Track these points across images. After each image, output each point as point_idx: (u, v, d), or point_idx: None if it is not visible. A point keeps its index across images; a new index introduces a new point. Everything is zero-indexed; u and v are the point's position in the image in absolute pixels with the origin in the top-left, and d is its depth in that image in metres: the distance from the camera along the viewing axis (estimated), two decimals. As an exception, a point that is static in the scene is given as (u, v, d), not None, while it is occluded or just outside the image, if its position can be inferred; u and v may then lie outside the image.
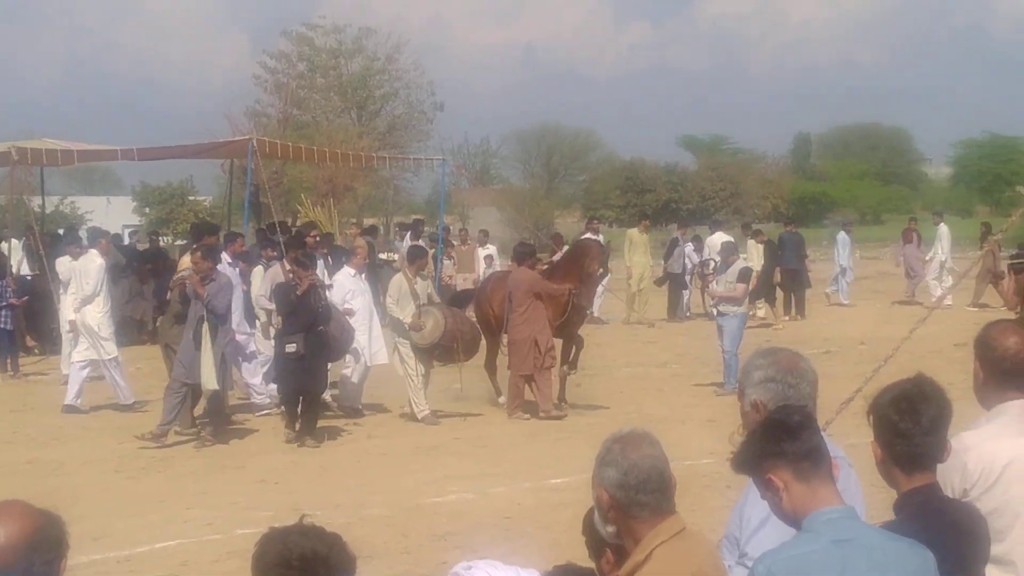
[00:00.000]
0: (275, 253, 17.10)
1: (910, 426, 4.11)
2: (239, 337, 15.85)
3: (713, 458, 11.54)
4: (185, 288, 14.61)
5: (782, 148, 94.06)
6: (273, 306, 15.28)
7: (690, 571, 3.87)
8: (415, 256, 16.56)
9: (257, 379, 16.49)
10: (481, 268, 28.32)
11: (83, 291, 16.78)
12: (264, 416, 16.00)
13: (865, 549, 3.55)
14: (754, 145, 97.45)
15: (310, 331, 14.40)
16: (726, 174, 76.06)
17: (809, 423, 3.69)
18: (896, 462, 4.16)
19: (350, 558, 3.39)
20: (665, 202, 73.03)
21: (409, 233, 27.76)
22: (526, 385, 16.07)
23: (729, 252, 17.98)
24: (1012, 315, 13.30)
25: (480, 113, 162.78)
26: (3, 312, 20.05)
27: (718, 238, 24.50)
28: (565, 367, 16.59)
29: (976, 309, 26.38)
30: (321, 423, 15.04)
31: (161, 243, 33.53)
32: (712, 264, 22.61)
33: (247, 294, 16.60)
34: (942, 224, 30.58)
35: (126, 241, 31.03)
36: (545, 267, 18.24)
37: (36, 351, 22.60)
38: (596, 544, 4.19)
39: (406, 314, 15.53)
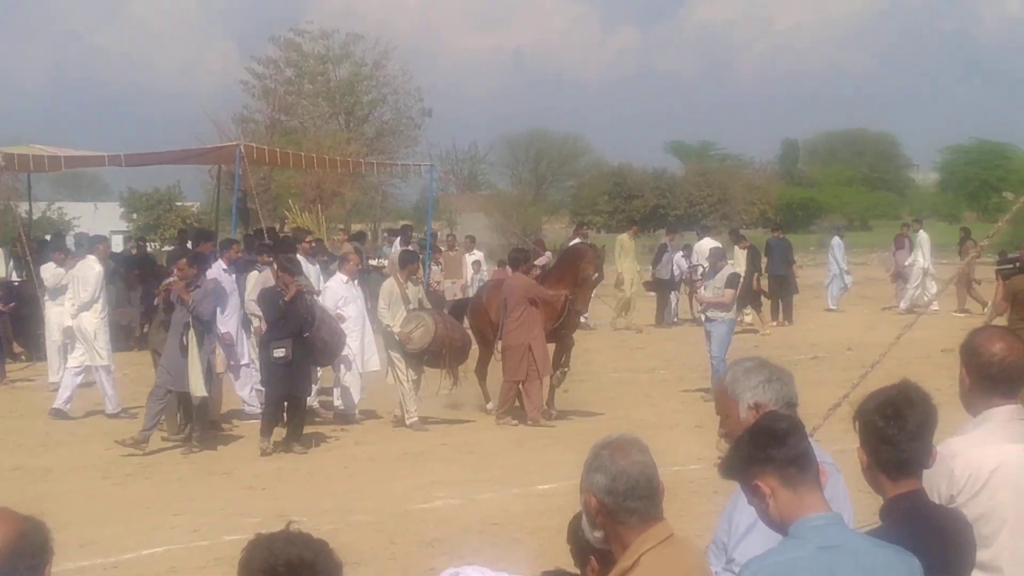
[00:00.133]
0: (270, 259, 17.06)
1: (896, 432, 4.12)
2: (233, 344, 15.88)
3: (701, 463, 11.55)
4: (169, 294, 14.59)
5: (770, 154, 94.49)
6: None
7: (677, 577, 3.87)
8: (406, 261, 16.54)
9: (247, 391, 16.44)
10: (469, 274, 28.31)
11: (80, 297, 16.75)
12: (252, 423, 15.96)
13: (851, 555, 3.55)
14: (742, 151, 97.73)
15: (297, 337, 14.38)
16: (714, 180, 76.25)
17: (796, 429, 3.68)
18: (882, 468, 4.17)
19: (337, 565, 3.38)
20: (653, 208, 73.18)
21: (399, 239, 27.75)
22: (516, 392, 16.06)
23: (717, 258, 18.00)
24: (1001, 320, 13.33)
25: (468, 119, 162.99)
26: (-10, 318, 20.01)
27: (706, 244, 24.50)
28: (559, 372, 16.53)
29: (963, 315, 26.48)
30: (309, 429, 15.02)
31: (148, 249, 33.47)
32: (700, 270, 22.64)
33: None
34: (921, 231, 30.70)
35: (118, 247, 30.96)
36: (539, 272, 18.23)
37: (23, 357, 22.52)
38: (581, 551, 4.19)
39: (397, 319, 15.52)
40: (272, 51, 56.25)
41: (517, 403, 16.17)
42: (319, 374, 16.80)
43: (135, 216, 52.89)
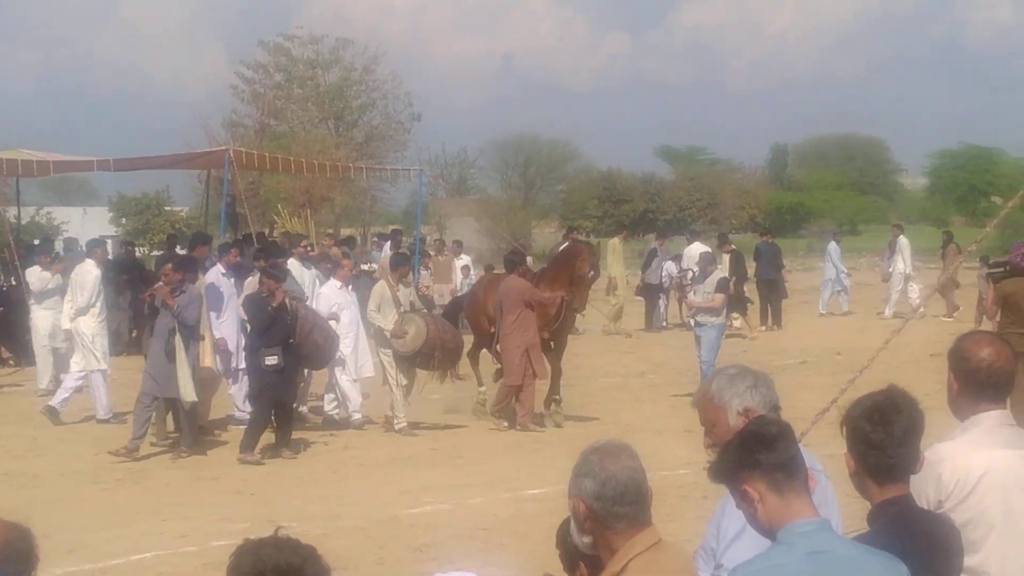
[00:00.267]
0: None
1: (882, 437, 4.13)
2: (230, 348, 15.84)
3: (689, 468, 11.55)
4: (153, 299, 14.56)
5: (759, 158, 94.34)
6: None
7: (666, 583, 3.87)
8: (398, 263, 16.51)
9: (242, 396, 16.37)
10: (458, 279, 28.31)
11: (77, 302, 16.73)
12: (242, 428, 15.92)
13: (839, 561, 3.55)
14: (731, 155, 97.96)
15: (285, 343, 14.33)
16: (703, 184, 76.25)
17: (786, 434, 3.68)
18: (869, 473, 4.18)
19: (325, 570, 3.38)
20: (642, 212, 73.18)
21: (388, 243, 27.72)
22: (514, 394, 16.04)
23: (707, 263, 18.03)
24: (989, 324, 13.35)
25: (458, 123, 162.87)
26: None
27: (696, 248, 24.51)
28: (554, 402, 16.51)
29: (952, 320, 26.52)
30: (298, 434, 15.00)
31: (137, 253, 33.41)
32: (690, 274, 22.66)
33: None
34: (902, 236, 30.75)
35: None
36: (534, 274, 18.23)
37: (11, 362, 22.48)
38: (570, 556, 4.19)
39: (388, 321, 15.51)
40: (261, 56, 56.34)
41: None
42: (311, 378, 16.79)
43: (124, 221, 52.83)
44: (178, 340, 13.98)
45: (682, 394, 18.03)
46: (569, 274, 16.39)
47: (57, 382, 18.56)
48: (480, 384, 16.91)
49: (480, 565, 9.14)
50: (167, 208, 52.92)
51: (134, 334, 23.52)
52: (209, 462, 14.19)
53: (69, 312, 16.91)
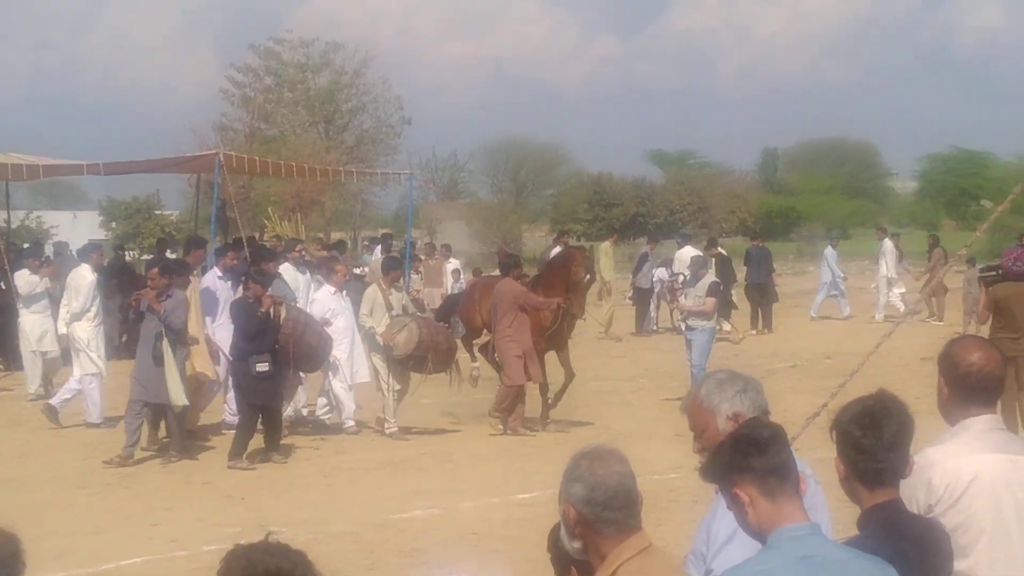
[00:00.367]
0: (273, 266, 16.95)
1: (872, 442, 4.14)
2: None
3: (680, 472, 11.54)
4: (139, 304, 14.52)
5: (750, 163, 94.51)
6: None
7: (656, 587, 3.87)
8: (389, 267, 16.52)
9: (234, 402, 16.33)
10: (449, 283, 28.30)
11: (72, 306, 16.68)
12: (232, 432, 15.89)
13: (829, 566, 3.55)
14: (722, 159, 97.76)
15: (275, 348, 14.30)
16: (693, 188, 76.26)
17: (779, 438, 3.67)
18: (859, 478, 4.18)
19: (315, 575, 3.37)
20: (633, 216, 73.15)
21: (379, 247, 27.72)
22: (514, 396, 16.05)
23: (698, 266, 18.04)
24: (976, 328, 13.35)
25: (448, 127, 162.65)
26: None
27: (687, 252, 24.58)
28: (551, 403, 16.54)
29: (943, 323, 26.56)
30: (289, 439, 14.98)
31: (127, 258, 33.33)
32: (681, 278, 22.68)
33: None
34: (886, 240, 30.78)
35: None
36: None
37: (1, 367, 22.41)
38: (561, 561, 4.19)
39: (380, 325, 15.50)
40: (252, 59, 56.29)
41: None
42: (306, 382, 16.74)
43: (114, 225, 52.71)
44: (165, 345, 13.95)
45: (672, 398, 18.01)
46: (564, 280, 16.38)
47: (47, 386, 18.54)
48: (474, 360, 17.16)
49: (471, 570, 9.15)
50: (157, 212, 52.77)
51: (124, 338, 23.45)
52: (199, 467, 14.17)
53: (65, 317, 16.88)
